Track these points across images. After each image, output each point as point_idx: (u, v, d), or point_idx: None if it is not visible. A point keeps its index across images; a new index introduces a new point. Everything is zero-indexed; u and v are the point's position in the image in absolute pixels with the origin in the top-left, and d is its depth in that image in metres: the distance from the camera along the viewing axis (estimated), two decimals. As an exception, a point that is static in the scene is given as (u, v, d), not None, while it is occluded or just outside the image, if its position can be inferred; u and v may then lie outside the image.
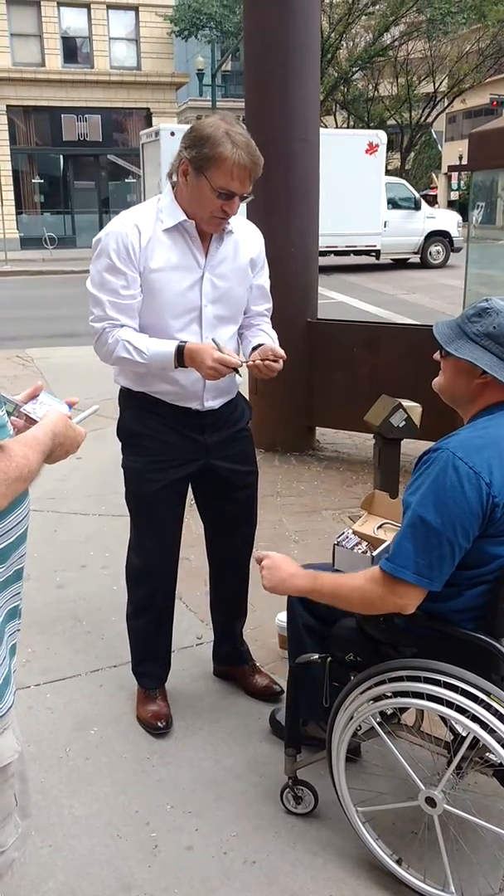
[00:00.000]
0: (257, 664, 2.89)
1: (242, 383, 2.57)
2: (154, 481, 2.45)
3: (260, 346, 2.40)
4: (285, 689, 2.29)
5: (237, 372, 2.24)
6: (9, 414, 1.24)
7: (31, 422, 1.40)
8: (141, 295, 2.29)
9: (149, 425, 2.42)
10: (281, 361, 2.33)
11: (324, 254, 18.41)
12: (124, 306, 2.28)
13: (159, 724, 2.63)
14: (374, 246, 18.21)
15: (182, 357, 2.22)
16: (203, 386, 2.36)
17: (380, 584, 1.80)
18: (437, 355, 1.94)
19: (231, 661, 2.88)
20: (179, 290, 2.29)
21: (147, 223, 2.27)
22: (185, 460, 2.45)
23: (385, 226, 18.01)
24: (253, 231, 2.48)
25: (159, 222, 2.27)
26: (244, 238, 2.42)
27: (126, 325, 2.29)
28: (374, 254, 18.47)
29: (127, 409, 2.48)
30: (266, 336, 2.50)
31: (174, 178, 2.28)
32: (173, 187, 2.29)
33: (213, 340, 2.26)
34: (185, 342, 2.24)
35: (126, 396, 2.47)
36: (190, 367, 2.23)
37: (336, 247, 17.80)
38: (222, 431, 2.48)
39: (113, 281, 2.26)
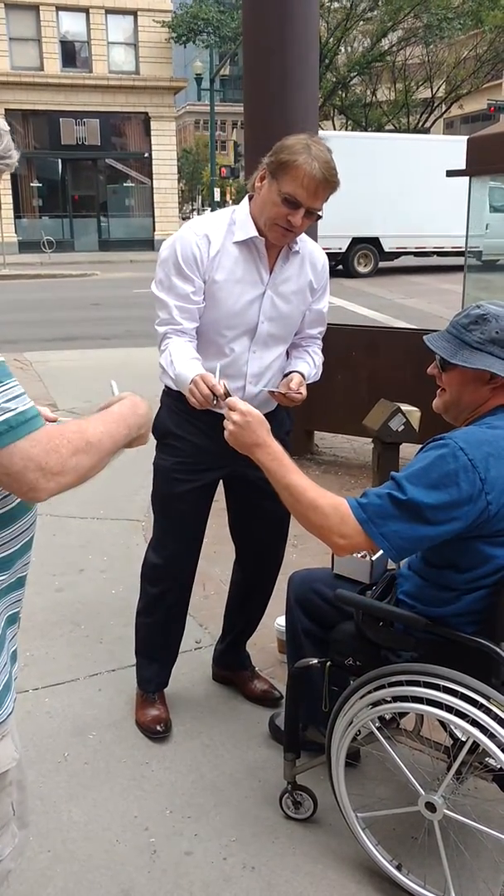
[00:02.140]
0: (256, 669, 2.88)
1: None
2: (180, 482, 2.46)
3: (292, 373, 2.42)
4: (284, 693, 2.29)
5: (216, 399, 2.08)
6: None
7: None
8: (204, 302, 2.31)
9: (181, 426, 2.43)
10: (304, 392, 2.34)
11: (428, 254, 18.71)
12: (191, 310, 2.29)
13: (158, 728, 2.63)
14: (477, 247, 18.63)
15: None
16: (241, 396, 2.35)
17: (339, 517, 1.76)
18: (432, 370, 1.93)
19: (231, 666, 2.88)
20: (240, 303, 2.31)
21: (218, 233, 2.28)
22: (214, 465, 2.45)
23: (486, 228, 18.37)
24: (318, 254, 2.48)
25: (230, 234, 2.28)
26: (308, 259, 2.43)
27: (188, 331, 2.30)
28: (472, 255, 18.82)
29: (163, 408, 2.50)
30: (306, 363, 2.50)
31: (253, 190, 2.28)
32: (250, 200, 2.30)
33: (219, 366, 2.23)
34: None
35: (165, 395, 2.50)
36: None
37: (443, 247, 18.28)
38: None
39: (181, 285, 2.27)
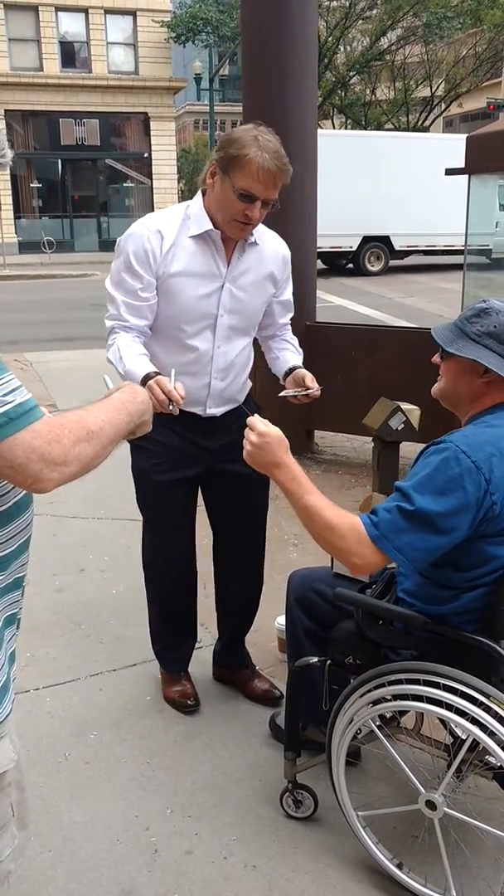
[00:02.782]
0: (257, 668, 2.88)
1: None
2: (159, 481, 2.47)
3: (292, 369, 2.47)
4: (285, 693, 2.29)
5: (172, 403, 2.05)
6: None
7: None
8: (156, 298, 2.30)
9: (153, 427, 2.42)
10: (317, 388, 2.38)
11: (438, 253, 18.94)
12: (138, 307, 2.29)
13: (188, 702, 2.70)
14: (487, 245, 18.71)
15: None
16: (207, 393, 2.39)
17: (356, 537, 1.76)
18: (436, 358, 1.95)
19: (231, 665, 2.88)
20: (197, 296, 2.30)
21: (171, 228, 2.28)
22: (189, 463, 2.47)
23: (496, 226, 18.44)
24: (278, 244, 2.47)
25: (185, 228, 2.28)
26: (268, 250, 2.42)
27: (134, 328, 2.30)
28: (480, 253, 18.97)
29: None
30: (293, 353, 2.56)
31: (205, 184, 2.28)
32: (203, 193, 2.30)
33: (173, 371, 2.19)
34: (156, 374, 2.15)
35: None
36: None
37: (453, 245, 18.29)
38: (228, 435, 2.47)
39: (130, 282, 2.27)
